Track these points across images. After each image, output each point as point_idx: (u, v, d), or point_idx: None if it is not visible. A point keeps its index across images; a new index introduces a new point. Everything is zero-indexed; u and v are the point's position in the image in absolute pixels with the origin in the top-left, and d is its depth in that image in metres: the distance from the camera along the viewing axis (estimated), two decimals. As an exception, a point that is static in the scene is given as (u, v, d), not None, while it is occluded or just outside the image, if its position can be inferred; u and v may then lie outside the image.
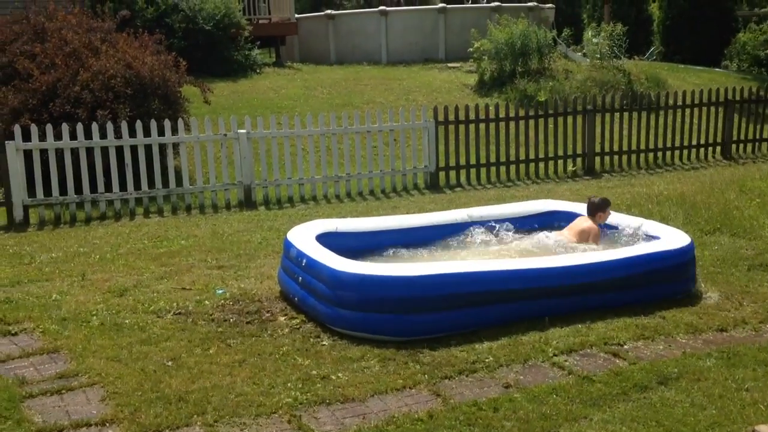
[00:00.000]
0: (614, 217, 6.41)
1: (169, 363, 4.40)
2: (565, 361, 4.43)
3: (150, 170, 9.06)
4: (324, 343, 4.72)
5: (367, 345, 4.63)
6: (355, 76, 15.78)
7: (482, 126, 10.75)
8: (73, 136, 8.73)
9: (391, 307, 4.71)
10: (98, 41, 10.11)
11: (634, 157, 11.69)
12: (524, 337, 4.73)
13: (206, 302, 5.45)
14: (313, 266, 5.09)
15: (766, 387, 4.01)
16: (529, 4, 19.32)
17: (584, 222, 6.23)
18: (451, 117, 10.56)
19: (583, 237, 6.09)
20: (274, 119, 9.76)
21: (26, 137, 8.63)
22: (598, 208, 6.24)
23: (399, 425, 3.68)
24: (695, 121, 12.15)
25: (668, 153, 11.95)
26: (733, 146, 12.39)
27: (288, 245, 5.59)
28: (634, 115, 11.78)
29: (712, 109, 12.20)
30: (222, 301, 5.45)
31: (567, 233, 6.21)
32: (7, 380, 4.20)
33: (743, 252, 6.54)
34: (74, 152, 8.75)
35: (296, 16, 18.54)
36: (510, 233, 6.42)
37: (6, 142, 8.40)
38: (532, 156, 11.06)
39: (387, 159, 10.27)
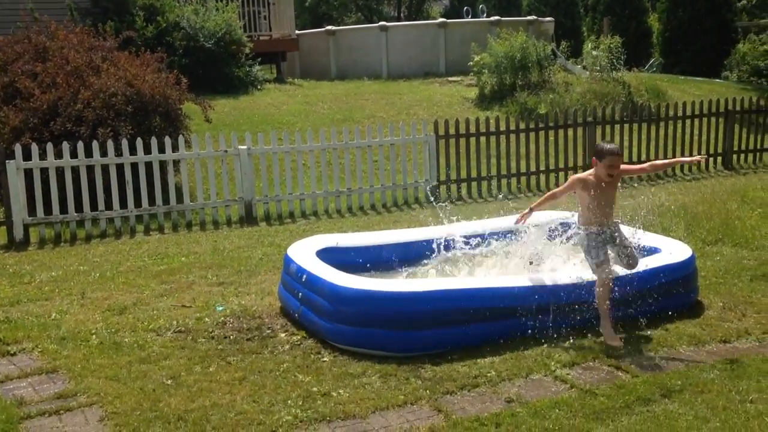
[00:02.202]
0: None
1: (169, 381, 4.38)
2: (568, 374, 4.40)
3: (150, 187, 9.07)
4: (325, 359, 4.69)
5: (368, 361, 4.60)
6: (356, 91, 15.83)
7: (483, 139, 10.75)
8: (73, 155, 8.75)
9: (393, 322, 4.69)
10: (99, 60, 10.16)
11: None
12: (527, 351, 4.70)
13: (206, 319, 5.43)
14: (313, 282, 5.07)
15: (770, 399, 3.97)
16: (529, 17, 19.41)
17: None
18: (452, 130, 10.57)
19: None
20: (275, 135, 9.78)
21: (27, 156, 8.64)
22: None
23: (400, 442, 3.65)
24: (696, 131, 12.14)
25: (669, 164, 11.93)
26: (734, 156, 12.38)
27: (288, 261, 5.58)
28: (635, 126, 11.78)
29: (713, 119, 12.19)
30: (222, 318, 5.43)
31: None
32: (6, 401, 4.17)
33: (745, 262, 6.50)
34: (75, 170, 8.77)
35: (297, 32, 18.64)
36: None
37: (7, 161, 8.42)
38: (533, 168, 11.05)
39: (388, 173, 10.26)
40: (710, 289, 5.81)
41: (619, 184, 5.15)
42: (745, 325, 5.08)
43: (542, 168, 11.10)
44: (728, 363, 4.45)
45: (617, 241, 5.01)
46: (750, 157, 12.52)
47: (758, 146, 12.57)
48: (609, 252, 4.99)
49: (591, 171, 5.08)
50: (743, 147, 12.46)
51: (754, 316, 5.25)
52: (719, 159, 12.31)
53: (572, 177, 5.12)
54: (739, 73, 20.93)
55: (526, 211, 5.22)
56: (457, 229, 6.70)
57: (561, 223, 5.99)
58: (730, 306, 5.47)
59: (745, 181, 10.84)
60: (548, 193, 5.26)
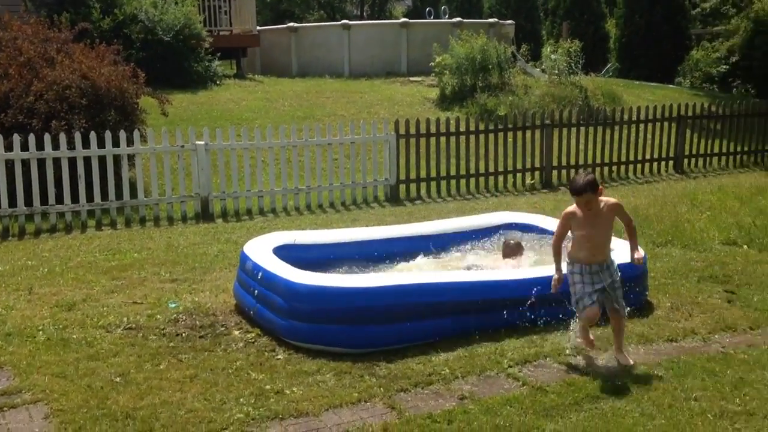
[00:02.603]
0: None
1: (117, 379, 4.30)
2: (520, 372, 4.45)
3: (104, 182, 8.89)
4: (279, 356, 4.66)
5: (324, 358, 4.59)
6: (317, 88, 15.77)
7: (443, 139, 10.82)
8: (24, 147, 8.53)
9: (347, 318, 4.69)
10: (54, 51, 9.91)
11: (590, 170, 11.88)
12: (480, 349, 4.75)
13: (158, 316, 5.35)
14: (268, 279, 5.03)
15: (713, 397, 4.09)
16: (490, 20, 19.58)
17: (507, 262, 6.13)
18: (412, 130, 10.61)
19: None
20: (233, 131, 9.68)
21: (-25, 148, 8.39)
22: (514, 252, 6.23)
23: (352, 439, 3.65)
24: (649, 136, 12.41)
25: (622, 167, 12.17)
26: (685, 161, 12.69)
27: (244, 258, 5.53)
28: (590, 130, 11.99)
29: (666, 124, 12.48)
30: (175, 315, 5.35)
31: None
32: (-54, 398, 4.05)
33: (693, 264, 6.68)
34: (25, 163, 8.54)
35: (258, 28, 18.47)
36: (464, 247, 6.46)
37: (-46, 152, 8.16)
38: (491, 169, 11.16)
39: (348, 172, 10.25)
40: (659, 290, 5.94)
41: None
42: (691, 325, 5.21)
43: (500, 169, 11.22)
44: (674, 362, 4.56)
45: (606, 281, 4.55)
46: (700, 161, 12.85)
47: (709, 151, 12.90)
48: (592, 291, 4.52)
49: None
50: (694, 151, 12.77)
51: (700, 316, 5.39)
52: (671, 163, 12.61)
53: (563, 212, 4.77)
54: (692, 79, 21.50)
55: (556, 277, 4.67)
56: (415, 228, 6.75)
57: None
58: (677, 306, 5.60)
59: (695, 185, 11.13)
60: (553, 245, 4.80)
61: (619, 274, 4.67)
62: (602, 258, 4.60)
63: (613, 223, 4.65)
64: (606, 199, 4.65)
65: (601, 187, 4.58)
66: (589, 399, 4.07)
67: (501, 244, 6.41)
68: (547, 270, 4.97)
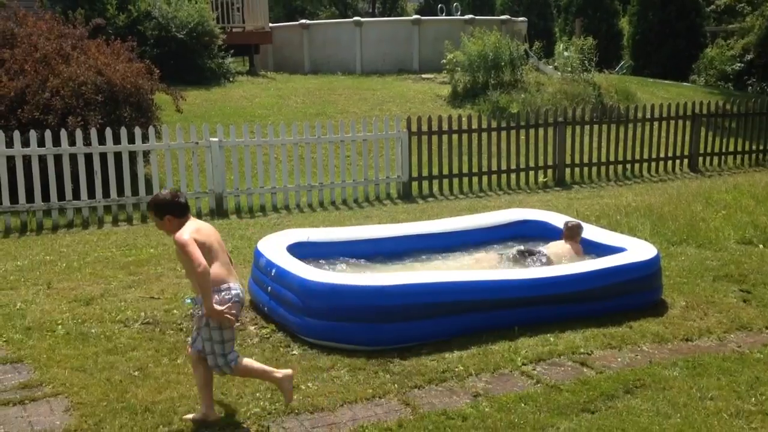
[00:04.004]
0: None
1: (136, 373, 4.35)
2: (534, 370, 4.47)
3: (120, 178, 8.96)
4: (294, 352, 4.70)
5: (338, 354, 4.62)
6: (329, 85, 15.79)
7: (455, 137, 10.82)
8: (41, 143, 8.60)
9: (361, 316, 4.71)
10: (69, 48, 9.99)
11: (603, 168, 11.85)
12: (494, 347, 4.76)
13: (174, 311, 5.40)
14: (282, 276, 5.07)
15: (729, 396, 4.08)
16: (502, 17, 19.54)
17: (563, 246, 6.22)
18: (424, 128, 10.62)
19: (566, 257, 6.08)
20: (246, 128, 9.73)
21: (-7, 144, 8.48)
22: (578, 233, 6.25)
23: (367, 435, 3.68)
24: (663, 134, 12.36)
25: (637, 165, 12.13)
26: (700, 159, 12.63)
27: (258, 255, 5.56)
28: (604, 127, 11.95)
29: (680, 122, 12.43)
30: (190, 311, 5.39)
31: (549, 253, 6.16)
32: (-32, 391, 4.11)
33: (709, 263, 6.65)
34: (42, 159, 8.62)
35: (271, 25, 18.51)
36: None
37: (-28, 148, 8.25)
38: (503, 167, 11.16)
39: (360, 169, 10.27)
40: (674, 289, 5.93)
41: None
42: (707, 324, 5.21)
43: (513, 166, 11.21)
44: (690, 361, 4.55)
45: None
46: (715, 159, 12.79)
47: (723, 149, 12.84)
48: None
49: None
50: (709, 150, 12.71)
51: (715, 316, 5.38)
52: (685, 161, 12.55)
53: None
54: (707, 77, 21.37)
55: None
56: (428, 226, 6.77)
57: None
58: (692, 305, 5.59)
59: (710, 184, 11.07)
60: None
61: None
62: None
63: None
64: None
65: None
66: (603, 398, 4.08)
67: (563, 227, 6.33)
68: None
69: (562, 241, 6.26)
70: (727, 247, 7.18)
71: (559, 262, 5.93)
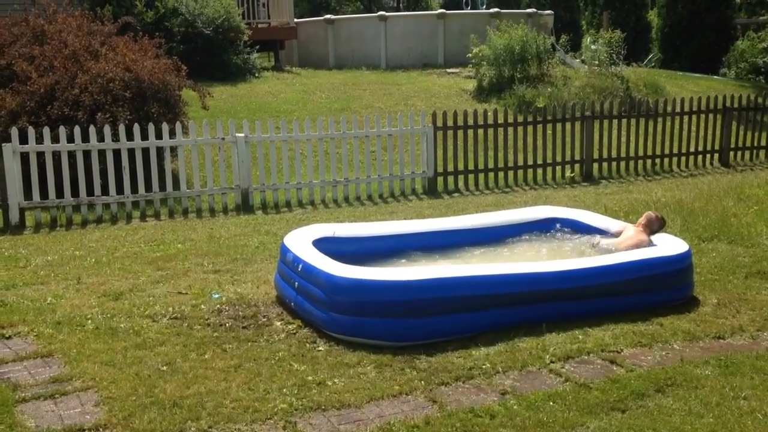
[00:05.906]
0: (602, 221, 6.42)
1: (164, 368, 4.38)
2: (562, 367, 4.41)
3: (147, 174, 9.05)
4: (320, 348, 4.69)
5: (364, 351, 4.60)
6: (354, 80, 15.78)
7: (480, 131, 10.75)
8: (70, 139, 8.72)
9: (387, 311, 4.69)
10: (98, 44, 10.11)
11: (632, 163, 11.70)
12: (521, 344, 4.71)
13: (202, 307, 5.43)
14: (309, 271, 5.07)
15: (763, 395, 4.00)
16: (528, 10, 19.36)
17: (641, 234, 5.96)
18: (450, 122, 10.56)
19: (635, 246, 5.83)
20: (272, 123, 9.75)
21: (23, 140, 8.61)
22: (660, 227, 6.03)
23: (395, 432, 3.66)
24: (693, 128, 12.16)
25: (666, 160, 11.95)
26: (731, 153, 12.40)
27: (284, 250, 5.57)
28: (632, 121, 11.78)
29: (710, 116, 12.21)
30: (218, 306, 5.43)
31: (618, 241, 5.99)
32: (0, 384, 4.17)
33: (740, 259, 6.53)
34: (71, 155, 8.74)
35: (295, 20, 18.56)
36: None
37: (3, 144, 8.38)
38: (530, 162, 11.06)
39: (385, 164, 10.26)
40: (705, 286, 5.83)
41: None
42: (739, 322, 5.10)
43: (539, 161, 11.11)
44: (722, 359, 4.47)
45: None
46: (747, 154, 12.55)
47: (755, 144, 12.60)
48: None
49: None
50: (740, 144, 12.48)
51: (748, 313, 5.28)
52: (716, 156, 12.34)
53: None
54: (738, 70, 20.97)
55: None
56: (455, 222, 6.72)
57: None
58: (724, 302, 5.48)
59: (741, 178, 10.87)
60: None
61: None
62: None
63: None
64: None
65: None
66: (634, 396, 4.02)
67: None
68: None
69: (639, 228, 6.00)
70: (759, 243, 7.03)
71: (619, 246, 5.79)
